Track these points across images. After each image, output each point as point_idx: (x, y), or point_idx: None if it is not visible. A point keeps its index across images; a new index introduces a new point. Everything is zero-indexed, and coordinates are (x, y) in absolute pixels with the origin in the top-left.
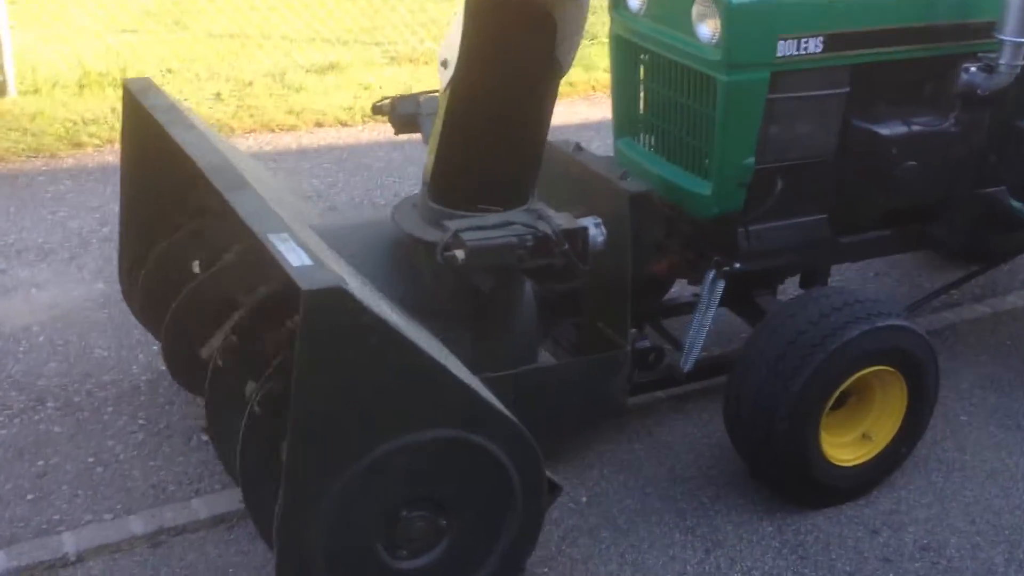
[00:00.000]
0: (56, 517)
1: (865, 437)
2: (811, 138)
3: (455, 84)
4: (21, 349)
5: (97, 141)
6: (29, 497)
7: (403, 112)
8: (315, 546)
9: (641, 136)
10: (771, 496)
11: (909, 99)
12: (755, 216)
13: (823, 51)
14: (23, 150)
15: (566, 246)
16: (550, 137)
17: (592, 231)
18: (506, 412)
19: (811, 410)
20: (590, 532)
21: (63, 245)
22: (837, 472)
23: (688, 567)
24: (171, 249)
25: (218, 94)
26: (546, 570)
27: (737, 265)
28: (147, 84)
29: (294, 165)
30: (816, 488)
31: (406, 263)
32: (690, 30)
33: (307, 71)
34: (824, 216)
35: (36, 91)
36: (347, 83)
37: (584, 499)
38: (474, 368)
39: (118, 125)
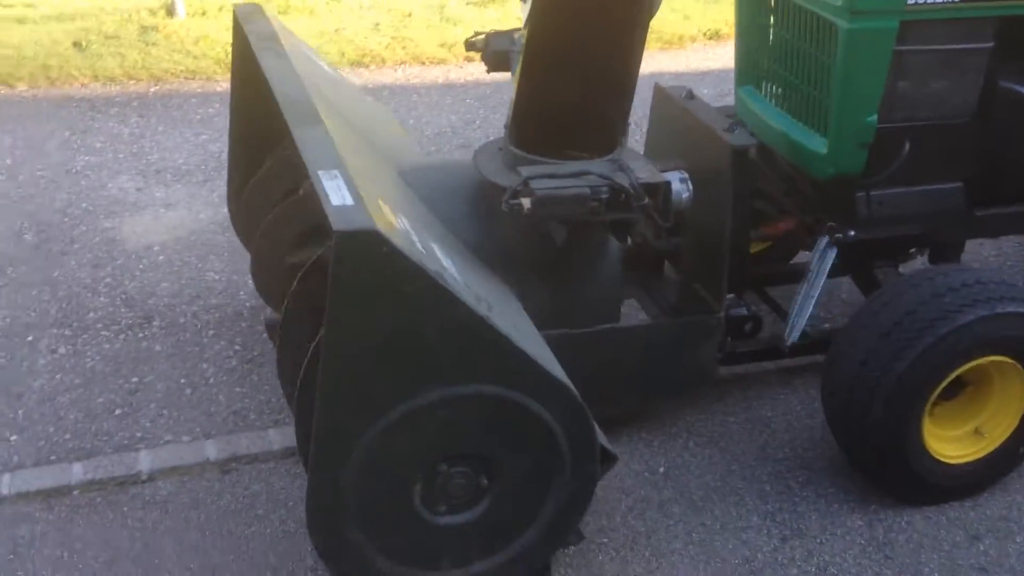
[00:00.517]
0: (138, 435)
1: (978, 433)
2: (947, 97)
3: (534, 20)
4: (140, 267)
5: None
6: (117, 412)
7: (496, 49)
8: (347, 492)
9: (764, 85)
10: (867, 488)
11: None
12: (878, 180)
13: (963, 0)
14: (182, 71)
15: (645, 201)
16: (667, 82)
17: (676, 186)
18: (555, 374)
19: (913, 398)
20: (661, 505)
21: (200, 167)
22: (941, 468)
23: (759, 554)
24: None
25: (377, 24)
26: (605, 540)
27: (852, 232)
28: (254, 10)
29: (437, 99)
30: (916, 483)
31: (486, 208)
32: None
33: (467, 3)
34: (959, 184)
35: (203, 14)
36: (507, 16)
37: (662, 469)
38: (548, 322)
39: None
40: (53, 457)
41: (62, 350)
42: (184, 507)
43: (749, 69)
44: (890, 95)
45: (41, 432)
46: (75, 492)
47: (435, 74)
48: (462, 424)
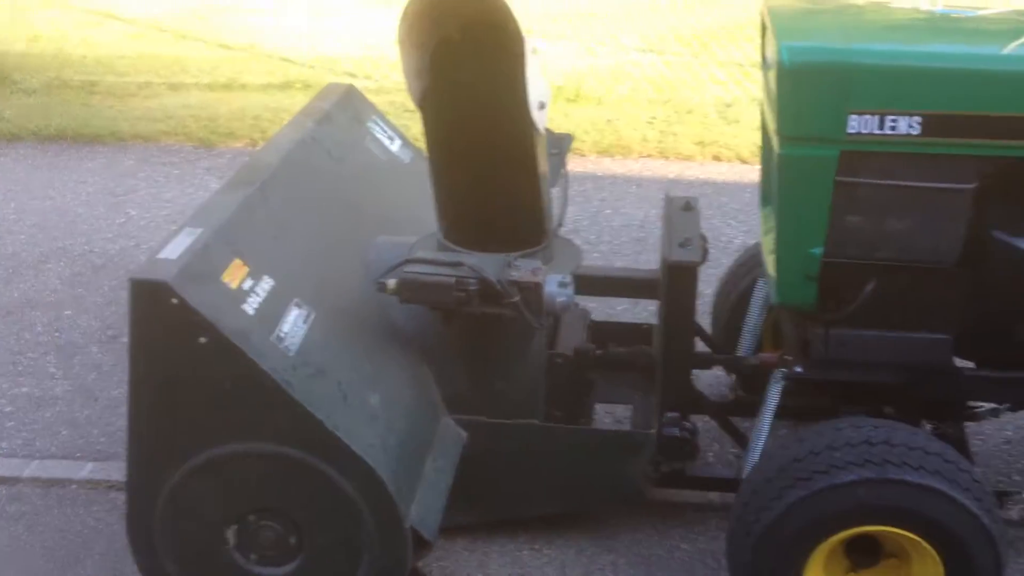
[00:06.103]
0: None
1: None
2: (915, 238)
3: (425, 103)
4: None
5: None
6: None
7: None
8: (160, 527)
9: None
10: None
11: None
12: (840, 318)
13: (921, 134)
14: None
15: (516, 298)
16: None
17: (550, 288)
18: (355, 449)
19: (783, 553)
20: None
21: None
22: None
23: None
24: None
25: (653, 118)
26: None
27: (798, 368)
28: (337, 89)
29: (651, 193)
30: None
31: None
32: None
33: (753, 100)
34: (945, 337)
35: None
36: None
37: None
38: (464, 408)
39: None
40: None
41: None
42: None
43: (764, 188)
44: (838, 228)
45: None
46: None
47: (670, 169)
48: (264, 480)
